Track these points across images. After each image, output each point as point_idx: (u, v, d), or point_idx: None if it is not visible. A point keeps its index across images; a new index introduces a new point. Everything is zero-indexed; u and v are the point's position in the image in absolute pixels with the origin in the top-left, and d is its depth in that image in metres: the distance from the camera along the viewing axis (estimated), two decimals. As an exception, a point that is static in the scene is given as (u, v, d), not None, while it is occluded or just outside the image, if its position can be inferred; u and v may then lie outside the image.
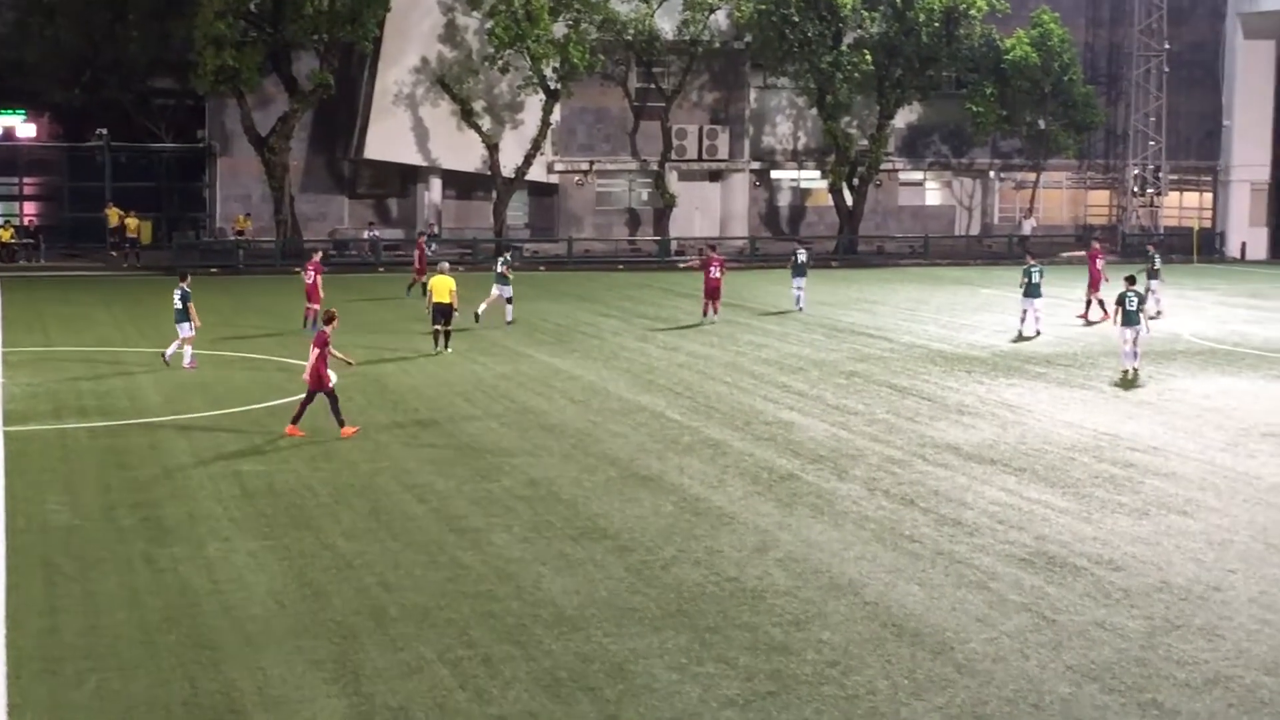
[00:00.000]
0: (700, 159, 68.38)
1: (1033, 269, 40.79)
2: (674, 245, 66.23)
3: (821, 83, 65.03)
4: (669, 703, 13.77)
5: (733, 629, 15.81)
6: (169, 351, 33.45)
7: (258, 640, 15.35)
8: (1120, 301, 33.84)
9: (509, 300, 41.55)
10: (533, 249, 65.71)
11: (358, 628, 15.72)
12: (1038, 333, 40.43)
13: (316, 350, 25.37)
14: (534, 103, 63.92)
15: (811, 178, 71.20)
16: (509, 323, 41.07)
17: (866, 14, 65.15)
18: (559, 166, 67.25)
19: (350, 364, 28.36)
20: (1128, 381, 32.72)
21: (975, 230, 70.88)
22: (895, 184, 72.49)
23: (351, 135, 65.06)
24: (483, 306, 41.09)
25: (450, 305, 36.20)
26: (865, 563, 18.36)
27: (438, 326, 36.26)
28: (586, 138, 67.90)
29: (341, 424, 25.64)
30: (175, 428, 26.60)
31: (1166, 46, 70.51)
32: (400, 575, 17.63)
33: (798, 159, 70.76)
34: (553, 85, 62.75)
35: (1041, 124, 68.73)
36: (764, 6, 64.17)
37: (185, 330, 33.23)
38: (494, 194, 64.53)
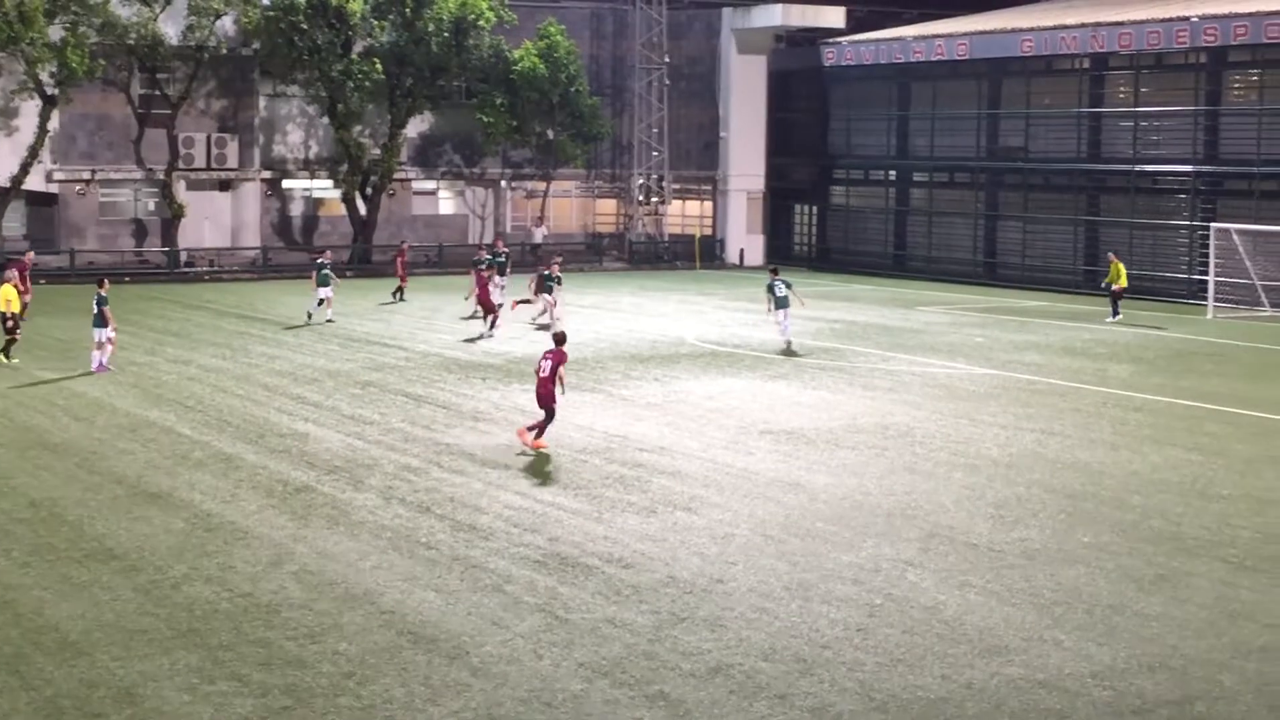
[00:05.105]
0: (209, 168, 66.73)
1: (497, 257, 49.69)
2: (183, 256, 64.52)
3: (332, 91, 64.53)
4: (180, 725, 13.45)
5: (246, 645, 15.56)
6: (103, 359, 34.75)
7: None
8: (770, 289, 40.46)
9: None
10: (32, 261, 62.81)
11: None
12: (500, 304, 45.32)
13: (560, 369, 25.97)
14: (30, 108, 61.09)
15: (324, 187, 70.46)
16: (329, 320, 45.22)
17: (376, 23, 64.98)
18: (59, 175, 64.41)
19: None
20: (789, 353, 39.12)
21: (488, 239, 71.57)
22: (409, 193, 72.57)
23: None
24: (320, 307, 45.69)
25: None
26: (382, 571, 18.38)
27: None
28: (88, 145, 65.29)
29: (535, 433, 26.01)
30: None
31: (667, 60, 72.95)
32: (-114, 609, 16.61)
33: (310, 168, 69.91)
34: (50, 90, 60.18)
35: (550, 134, 70.07)
36: (272, 13, 63.24)
37: (105, 333, 34.65)
38: (-12, 203, 61.44)
